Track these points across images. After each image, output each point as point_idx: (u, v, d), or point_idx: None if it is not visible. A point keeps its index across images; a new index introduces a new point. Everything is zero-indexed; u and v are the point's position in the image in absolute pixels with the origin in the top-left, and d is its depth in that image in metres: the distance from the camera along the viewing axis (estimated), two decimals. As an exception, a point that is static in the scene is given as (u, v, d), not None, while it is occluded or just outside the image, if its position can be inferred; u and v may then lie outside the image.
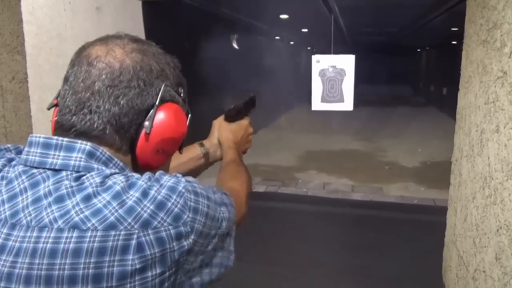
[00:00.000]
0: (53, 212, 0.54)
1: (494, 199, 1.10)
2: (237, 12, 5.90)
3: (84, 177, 0.57)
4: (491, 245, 1.12)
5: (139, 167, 0.65)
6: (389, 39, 11.69)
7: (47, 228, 0.53)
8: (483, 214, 1.19)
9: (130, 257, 0.52)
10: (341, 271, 2.66)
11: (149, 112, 0.63)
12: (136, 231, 0.53)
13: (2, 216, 0.55)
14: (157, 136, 0.64)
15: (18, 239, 0.53)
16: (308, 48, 15.07)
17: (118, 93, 0.61)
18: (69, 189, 0.55)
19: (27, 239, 0.53)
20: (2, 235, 0.54)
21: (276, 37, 10.15)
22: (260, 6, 5.14)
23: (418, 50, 16.96)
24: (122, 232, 0.52)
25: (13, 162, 0.62)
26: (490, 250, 1.12)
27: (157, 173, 0.61)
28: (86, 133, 0.60)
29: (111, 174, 0.58)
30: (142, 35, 2.66)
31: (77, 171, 0.57)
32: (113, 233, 0.52)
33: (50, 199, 0.55)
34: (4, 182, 0.59)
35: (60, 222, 0.53)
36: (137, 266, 0.52)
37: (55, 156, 0.58)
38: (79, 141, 0.59)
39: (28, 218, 0.54)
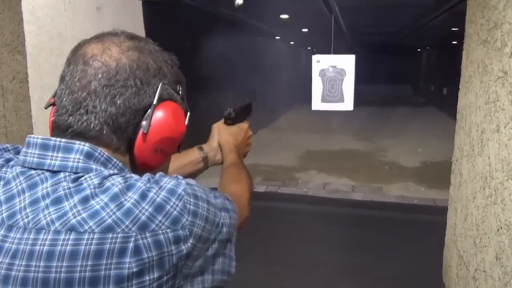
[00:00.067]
0: (50, 214, 0.53)
1: (494, 199, 1.10)
2: (237, 12, 5.89)
3: (82, 178, 0.56)
4: (491, 245, 1.11)
5: (137, 167, 0.64)
6: (390, 39, 11.68)
7: (44, 230, 0.52)
8: (483, 214, 1.19)
9: (127, 260, 0.51)
10: (341, 271, 2.66)
11: (146, 112, 0.62)
12: (134, 233, 0.52)
13: None
14: (155, 136, 0.63)
15: (15, 241, 0.53)
16: (309, 48, 15.07)
17: (114, 92, 0.60)
18: (67, 191, 0.55)
19: (24, 241, 0.52)
20: None
21: (277, 37, 10.15)
22: (260, 6, 5.14)
23: (419, 50, 16.96)
24: (120, 235, 0.52)
25: (11, 163, 0.61)
26: (490, 250, 1.12)
27: (157, 175, 0.60)
28: (83, 133, 0.60)
29: (110, 175, 0.57)
30: (142, 34, 2.65)
31: (75, 172, 0.57)
32: (110, 235, 0.51)
33: (47, 200, 0.54)
34: (1, 183, 0.58)
35: (57, 224, 0.52)
36: (134, 270, 0.51)
37: (53, 157, 0.57)
38: (77, 142, 0.58)
39: (26, 220, 0.54)
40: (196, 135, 1.10)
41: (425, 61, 16.91)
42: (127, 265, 0.51)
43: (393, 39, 11.74)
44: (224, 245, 0.66)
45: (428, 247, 2.07)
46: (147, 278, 0.52)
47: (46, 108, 0.66)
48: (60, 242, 0.51)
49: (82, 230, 0.51)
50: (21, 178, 0.57)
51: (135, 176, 0.58)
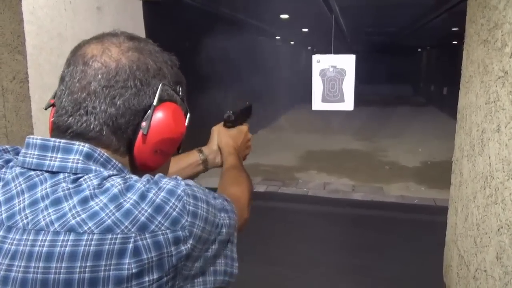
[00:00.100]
0: (49, 215, 0.53)
1: (495, 199, 1.10)
2: (238, 12, 5.89)
3: (82, 179, 0.56)
4: (492, 244, 1.11)
5: (137, 168, 0.64)
6: (390, 39, 11.69)
7: (43, 231, 0.52)
8: (484, 214, 1.19)
9: (127, 261, 0.51)
10: (341, 271, 2.66)
11: (146, 112, 0.62)
12: (133, 234, 0.52)
13: None
14: (155, 137, 0.63)
15: (14, 242, 0.52)
16: (309, 48, 15.08)
17: (114, 93, 0.60)
18: (66, 192, 0.54)
19: (23, 242, 0.52)
20: None
21: (277, 37, 10.15)
22: (260, 6, 5.14)
23: (419, 50, 16.96)
24: (119, 236, 0.51)
25: (11, 164, 0.61)
26: (491, 250, 1.12)
27: (156, 176, 0.60)
28: (83, 134, 0.59)
29: (109, 176, 0.57)
30: (142, 34, 2.65)
31: (75, 173, 0.57)
32: (109, 236, 0.51)
33: (47, 201, 0.54)
34: (1, 184, 0.58)
35: (56, 225, 0.52)
36: (134, 271, 0.51)
37: (53, 158, 0.57)
38: (77, 143, 0.58)
39: (25, 220, 0.53)
40: (195, 135, 1.11)
41: (425, 61, 16.91)
42: (126, 266, 0.51)
43: (393, 39, 11.74)
44: (224, 246, 0.66)
45: (429, 247, 2.07)
46: (147, 279, 0.52)
47: (46, 109, 0.66)
48: (60, 243, 0.51)
49: (81, 231, 0.51)
50: (21, 179, 0.57)
51: (135, 177, 0.58)
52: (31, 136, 0.60)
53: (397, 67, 18.02)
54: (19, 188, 0.56)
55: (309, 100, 2.81)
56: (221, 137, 1.10)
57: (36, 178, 0.57)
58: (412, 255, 2.73)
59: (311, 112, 3.09)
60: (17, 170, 0.58)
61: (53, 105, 0.64)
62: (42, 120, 1.79)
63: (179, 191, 0.57)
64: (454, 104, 1.59)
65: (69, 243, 0.51)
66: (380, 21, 7.56)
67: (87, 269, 0.50)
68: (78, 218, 0.52)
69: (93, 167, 0.58)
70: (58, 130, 0.61)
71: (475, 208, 1.27)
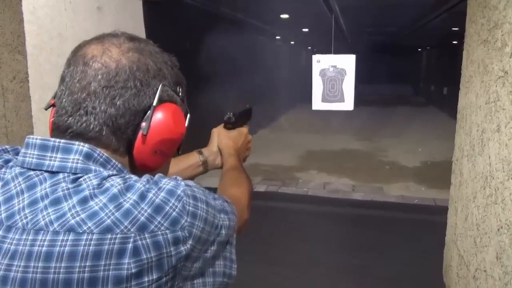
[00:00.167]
0: (49, 215, 0.53)
1: (495, 199, 1.10)
2: (238, 12, 5.90)
3: (81, 179, 0.56)
4: (492, 244, 1.11)
5: (137, 168, 0.64)
6: (390, 39, 11.69)
7: (42, 231, 0.52)
8: (484, 214, 1.19)
9: (126, 261, 0.51)
10: (341, 271, 2.66)
11: (146, 113, 0.62)
12: (133, 234, 0.52)
13: None
14: (154, 137, 0.63)
15: (14, 241, 0.52)
16: (309, 48, 15.08)
17: (114, 93, 0.60)
18: (66, 191, 0.54)
19: (22, 242, 0.52)
20: None
21: (277, 37, 10.15)
22: (261, 6, 5.14)
23: (419, 50, 16.96)
24: (118, 236, 0.51)
25: (10, 164, 0.61)
26: (491, 250, 1.12)
27: (156, 176, 0.60)
28: (82, 134, 0.59)
29: (109, 176, 0.57)
30: (142, 34, 2.66)
31: (74, 173, 0.57)
32: (109, 236, 0.51)
33: (46, 201, 0.54)
34: (0, 183, 0.58)
35: (56, 225, 0.52)
36: (133, 271, 0.51)
37: (52, 158, 0.57)
38: (76, 143, 0.58)
39: (24, 220, 0.53)
40: (195, 135, 1.11)
41: (425, 61, 16.91)
42: (126, 266, 0.51)
43: (393, 39, 11.74)
44: (223, 247, 0.66)
45: (429, 247, 2.07)
46: (146, 279, 0.52)
47: (46, 109, 0.66)
48: (59, 243, 0.51)
49: (81, 231, 0.51)
50: (20, 178, 0.57)
51: (134, 177, 0.58)
52: (31, 136, 0.60)
53: (397, 67, 18.01)
54: (18, 188, 0.56)
55: (309, 100, 2.82)
56: (221, 138, 1.10)
57: (36, 178, 0.57)
58: (412, 255, 2.74)
59: (311, 112, 3.10)
60: (17, 170, 0.58)
61: (53, 105, 0.64)
62: (42, 120, 1.79)
63: (179, 192, 0.57)
64: (454, 104, 1.59)
65: (68, 243, 0.51)
66: (380, 21, 7.56)
67: (86, 269, 0.50)
68: (77, 218, 0.52)
69: (93, 167, 0.58)
70: (58, 130, 0.61)
71: (475, 208, 1.27)
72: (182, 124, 0.67)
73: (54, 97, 0.64)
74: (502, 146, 1.05)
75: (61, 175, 0.56)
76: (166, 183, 0.58)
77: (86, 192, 0.54)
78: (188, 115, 0.71)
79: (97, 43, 0.62)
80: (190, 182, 0.61)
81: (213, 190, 0.76)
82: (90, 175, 0.57)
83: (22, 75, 1.70)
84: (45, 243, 0.51)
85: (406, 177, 5.69)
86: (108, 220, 0.52)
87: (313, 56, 2.84)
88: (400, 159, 6.68)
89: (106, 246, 0.51)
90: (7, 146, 0.67)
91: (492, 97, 1.13)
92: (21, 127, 1.70)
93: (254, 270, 2.45)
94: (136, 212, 0.53)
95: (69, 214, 0.53)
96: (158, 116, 0.63)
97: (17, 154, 0.65)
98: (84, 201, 0.54)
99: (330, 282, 2.58)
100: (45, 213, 0.53)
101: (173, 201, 0.56)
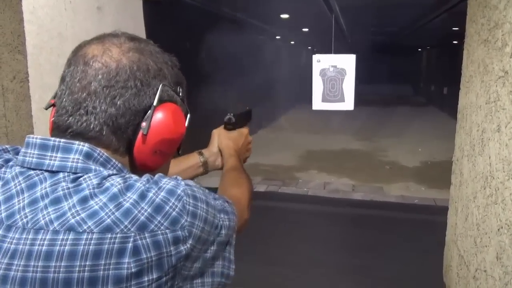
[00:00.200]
0: (49, 214, 0.53)
1: (495, 199, 1.10)
2: (238, 12, 5.90)
3: (82, 178, 0.56)
4: (492, 244, 1.11)
5: (137, 168, 0.64)
6: (390, 38, 11.69)
7: (42, 230, 0.52)
8: (484, 214, 1.19)
9: (126, 260, 0.51)
10: (341, 271, 2.66)
11: (146, 113, 0.62)
12: (133, 234, 0.52)
13: None
14: (154, 137, 0.63)
15: (14, 241, 0.52)
16: (309, 47, 15.08)
17: (114, 93, 0.60)
18: (66, 191, 0.55)
19: (22, 241, 0.52)
20: None
21: (277, 37, 10.15)
22: (261, 6, 5.14)
23: (419, 49, 16.96)
24: (118, 235, 0.51)
25: (10, 163, 0.61)
26: (491, 250, 1.12)
27: (156, 176, 0.60)
28: (83, 134, 0.60)
29: (109, 176, 0.57)
30: (143, 34, 2.66)
31: (75, 173, 0.57)
32: (109, 235, 0.51)
33: (46, 201, 0.54)
34: (0, 183, 0.58)
35: (56, 224, 0.52)
36: (133, 270, 0.51)
37: (52, 158, 0.57)
38: (77, 142, 0.58)
39: (24, 220, 0.53)
40: (195, 135, 1.11)
41: (425, 61, 16.91)
42: (126, 266, 0.51)
43: (393, 39, 11.75)
44: (223, 248, 0.66)
45: (429, 247, 2.07)
46: (146, 278, 0.52)
47: (46, 109, 0.66)
48: (59, 242, 0.51)
49: (80, 230, 0.51)
50: (20, 178, 0.57)
51: (134, 177, 0.58)
52: (31, 136, 0.60)
53: (397, 67, 18.02)
54: (18, 187, 0.56)
55: (309, 100, 2.81)
56: (222, 139, 1.10)
57: (36, 178, 0.57)
58: (412, 255, 2.74)
59: (311, 112, 3.09)
60: (17, 169, 0.58)
61: (53, 105, 0.64)
62: (42, 119, 1.79)
63: (179, 191, 0.57)
64: (454, 104, 1.59)
65: (68, 242, 0.51)
66: (380, 21, 7.56)
67: (86, 268, 0.50)
68: (77, 217, 0.52)
69: (93, 167, 0.58)
70: (58, 129, 0.61)
71: (475, 208, 1.27)
72: (182, 124, 0.68)
73: (54, 97, 0.64)
74: (503, 146, 1.05)
75: (61, 175, 0.56)
76: (166, 182, 0.58)
77: (86, 192, 0.54)
78: (188, 115, 0.71)
79: (97, 43, 0.63)
80: (190, 182, 0.61)
81: (214, 190, 0.76)
82: (90, 174, 0.57)
83: (22, 75, 1.70)
84: (45, 242, 0.51)
85: (406, 177, 5.69)
86: (108, 220, 0.52)
87: (313, 56, 2.84)
88: (400, 159, 6.68)
89: (106, 246, 0.51)
90: (7, 146, 0.67)
91: (492, 97, 1.13)
92: (21, 127, 1.70)
93: (254, 270, 2.45)
94: (136, 212, 0.53)
95: (69, 214, 0.53)
96: (158, 116, 0.63)
97: (17, 153, 0.65)
98: (84, 200, 0.54)
99: (330, 282, 2.58)
100: (45, 212, 0.53)
101: (173, 200, 0.56)
